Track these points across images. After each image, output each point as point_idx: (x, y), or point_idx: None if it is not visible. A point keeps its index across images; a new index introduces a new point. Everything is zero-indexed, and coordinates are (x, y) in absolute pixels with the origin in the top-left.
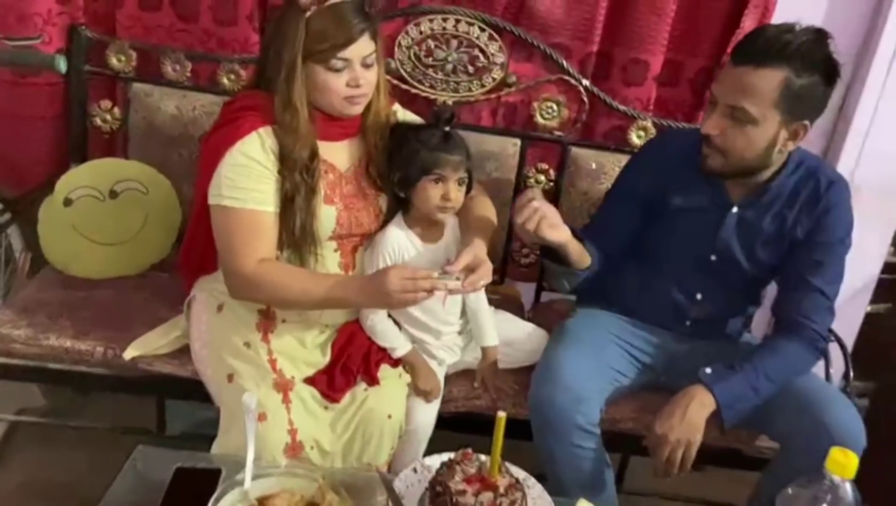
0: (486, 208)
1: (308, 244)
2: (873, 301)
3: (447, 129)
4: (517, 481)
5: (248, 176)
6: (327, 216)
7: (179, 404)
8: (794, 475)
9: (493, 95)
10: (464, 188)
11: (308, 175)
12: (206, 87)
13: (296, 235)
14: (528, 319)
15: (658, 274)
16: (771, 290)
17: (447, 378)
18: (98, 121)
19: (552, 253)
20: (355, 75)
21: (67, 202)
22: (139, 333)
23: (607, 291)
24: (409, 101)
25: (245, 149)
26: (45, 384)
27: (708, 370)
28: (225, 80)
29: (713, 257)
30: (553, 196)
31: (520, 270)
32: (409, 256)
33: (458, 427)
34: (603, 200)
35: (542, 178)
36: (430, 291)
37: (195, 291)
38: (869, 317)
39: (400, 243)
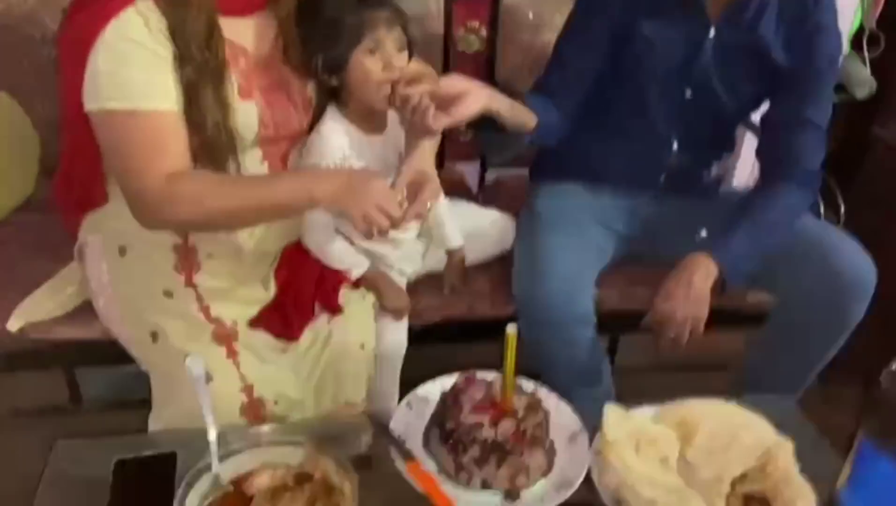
0: None
1: (225, 150)
2: None
3: None
4: (533, 396)
5: (133, 66)
6: (246, 114)
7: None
8: (798, 330)
9: None
10: (405, 54)
11: (211, 54)
12: None
13: (209, 139)
14: (479, 204)
15: (626, 126)
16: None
17: (411, 289)
18: None
19: (486, 122)
20: None
21: None
22: (21, 297)
23: (566, 158)
24: None
25: (122, 30)
26: None
27: (704, 234)
28: None
29: (688, 94)
30: (487, 58)
31: (459, 149)
32: (357, 155)
33: (430, 339)
34: (555, 46)
35: (474, 38)
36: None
37: (84, 233)
38: None
39: (342, 141)
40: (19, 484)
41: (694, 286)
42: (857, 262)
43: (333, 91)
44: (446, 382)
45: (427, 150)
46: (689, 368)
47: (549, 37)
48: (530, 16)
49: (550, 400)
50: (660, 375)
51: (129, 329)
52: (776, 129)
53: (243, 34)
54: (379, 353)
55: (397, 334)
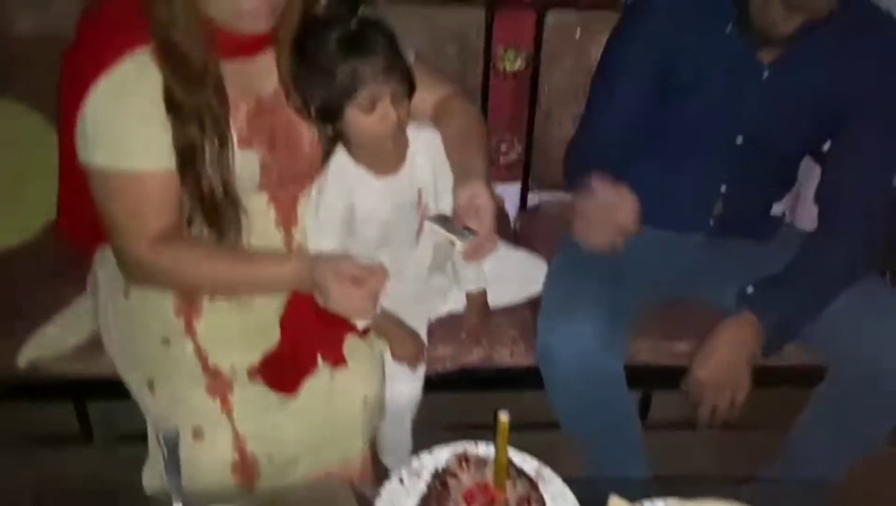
0: (469, 118)
1: (228, 212)
2: None
3: (353, 23)
4: (530, 481)
5: (123, 122)
6: (246, 164)
7: None
8: (846, 403)
9: None
10: (406, 101)
11: (212, 115)
12: None
13: (207, 203)
14: (516, 230)
15: (671, 167)
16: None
17: (429, 331)
18: None
19: None
20: None
21: None
22: (36, 326)
23: None
24: None
25: (115, 83)
26: None
27: (750, 289)
28: None
29: (739, 139)
30: (532, 81)
31: (500, 170)
32: (368, 199)
33: (449, 387)
34: (595, 80)
35: (516, 57)
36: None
37: (96, 267)
38: None
39: (352, 181)
40: None
41: (733, 353)
42: None
43: (336, 136)
44: (442, 456)
45: (482, 187)
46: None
47: (597, 56)
48: (577, 34)
49: (554, 484)
50: (696, 435)
51: (129, 375)
52: (836, 171)
53: (250, 76)
54: (390, 403)
55: (411, 386)
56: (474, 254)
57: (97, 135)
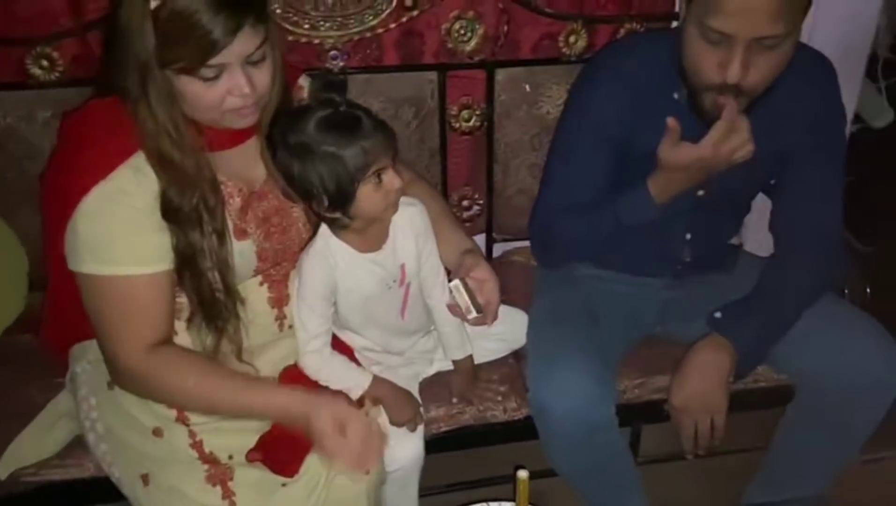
0: (436, 195)
1: (228, 308)
2: None
3: (343, 107)
4: None
5: (119, 227)
6: (243, 254)
7: None
8: (818, 418)
9: (391, 25)
10: (401, 167)
11: (209, 213)
12: (14, 84)
13: (207, 302)
14: None
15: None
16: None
17: (420, 392)
18: None
19: None
20: (237, 81)
21: None
22: (10, 433)
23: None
24: (287, 50)
25: (110, 191)
26: None
27: (718, 314)
28: (36, 70)
29: (700, 193)
30: (486, 134)
31: (464, 224)
32: (350, 277)
33: (445, 447)
34: (549, 157)
35: (469, 115)
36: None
37: (73, 363)
38: None
39: (335, 259)
40: None
41: (707, 376)
42: (877, 356)
43: (335, 219)
44: None
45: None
46: (724, 453)
47: (547, 108)
48: (527, 88)
49: None
50: (686, 465)
51: (119, 470)
52: (788, 205)
53: (235, 167)
54: (393, 468)
55: (413, 447)
56: (482, 321)
57: (89, 243)
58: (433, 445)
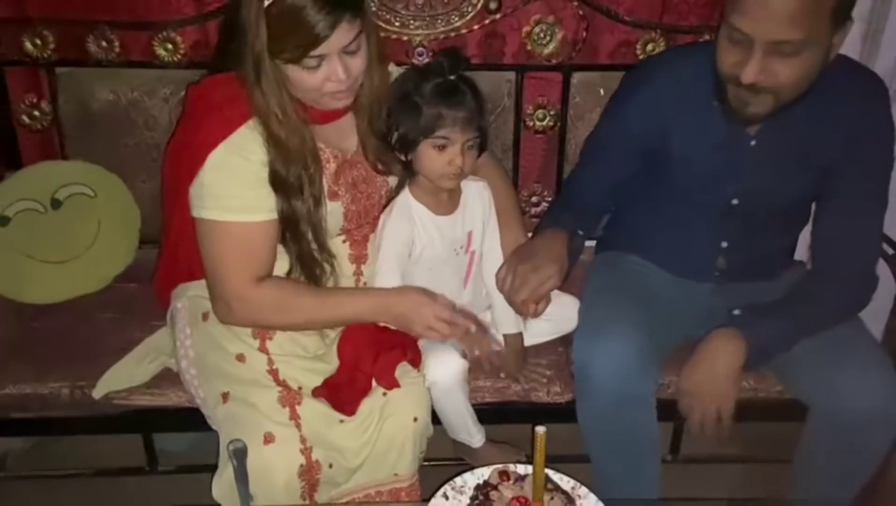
0: (504, 178)
1: (324, 264)
2: None
3: (453, 77)
4: (567, 496)
5: (239, 180)
6: (333, 214)
7: None
8: (828, 444)
9: (475, 27)
10: (475, 152)
11: (310, 181)
12: (142, 63)
13: (306, 259)
14: None
15: (674, 225)
16: None
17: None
18: (25, 119)
19: None
20: (335, 69)
21: (4, 221)
22: (110, 362)
23: (626, 233)
24: None
25: (234, 146)
26: (10, 437)
27: (737, 312)
28: (162, 52)
29: (735, 201)
30: (559, 134)
31: (529, 221)
32: (425, 234)
33: (491, 419)
34: (585, 145)
35: (544, 115)
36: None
37: (175, 301)
38: None
39: (413, 214)
40: None
41: (717, 364)
42: (874, 395)
43: (405, 165)
44: (485, 472)
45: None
46: (752, 460)
47: None
48: (601, 92)
49: (589, 500)
50: (723, 468)
51: (204, 390)
52: (825, 225)
53: (337, 137)
54: (438, 382)
55: (451, 360)
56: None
57: (212, 195)
58: (479, 413)
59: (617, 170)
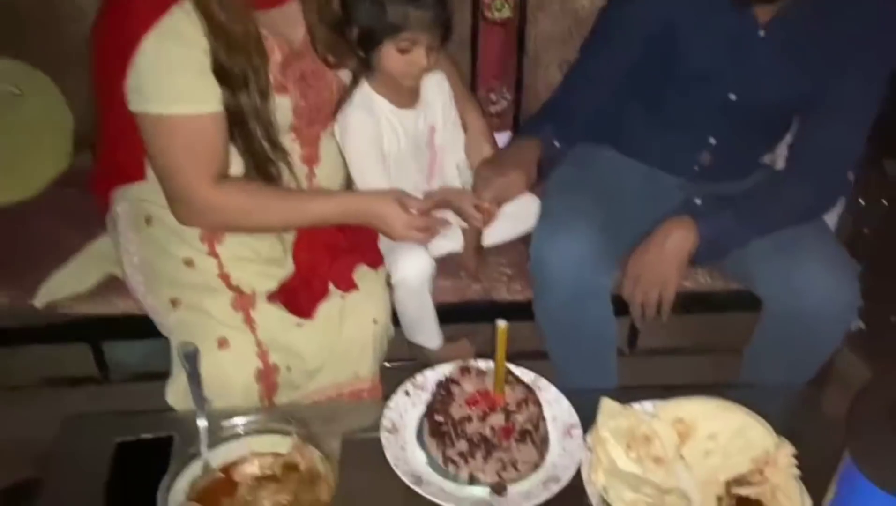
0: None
1: (276, 160)
2: None
3: None
4: (527, 387)
5: (175, 70)
6: (281, 109)
7: None
8: (780, 335)
9: None
10: (437, 54)
11: (254, 72)
12: None
13: (259, 156)
14: None
15: (662, 115)
16: None
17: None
18: None
19: None
20: None
21: None
22: (51, 271)
23: (604, 126)
24: None
25: (169, 31)
26: None
27: (698, 201)
28: None
29: (733, 97)
30: (518, 26)
31: (491, 119)
32: (389, 128)
33: (452, 318)
34: (591, 35)
35: (502, 4)
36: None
37: (115, 205)
38: None
39: (375, 107)
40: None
41: (666, 248)
42: (830, 293)
43: (362, 61)
44: (445, 370)
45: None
46: (707, 350)
47: (583, 2)
48: None
49: (549, 392)
50: (679, 359)
51: (152, 296)
52: (809, 123)
53: (281, 25)
54: (403, 282)
55: (418, 261)
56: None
57: (151, 85)
58: (440, 314)
59: (616, 61)
